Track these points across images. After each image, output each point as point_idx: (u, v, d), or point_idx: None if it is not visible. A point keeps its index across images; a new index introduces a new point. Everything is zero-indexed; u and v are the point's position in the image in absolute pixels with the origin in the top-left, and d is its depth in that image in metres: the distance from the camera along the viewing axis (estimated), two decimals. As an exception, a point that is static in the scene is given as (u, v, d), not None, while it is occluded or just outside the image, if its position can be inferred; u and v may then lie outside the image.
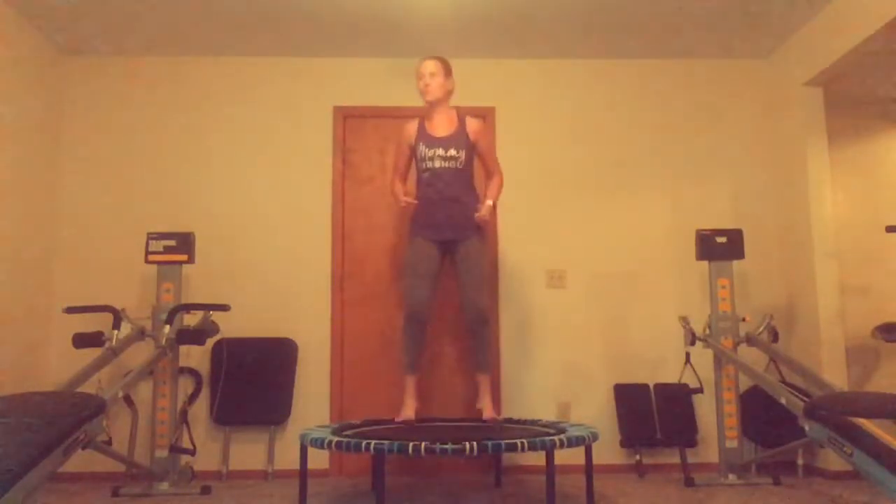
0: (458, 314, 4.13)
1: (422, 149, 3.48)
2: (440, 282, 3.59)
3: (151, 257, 3.70)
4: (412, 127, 3.57)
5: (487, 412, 3.48)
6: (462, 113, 3.61)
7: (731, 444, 3.66)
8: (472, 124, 3.54)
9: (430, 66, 3.48)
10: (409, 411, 3.46)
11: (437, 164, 3.45)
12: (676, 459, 4.04)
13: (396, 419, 3.47)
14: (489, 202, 3.42)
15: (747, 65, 4.47)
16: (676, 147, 4.39)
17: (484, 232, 3.50)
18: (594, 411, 4.13)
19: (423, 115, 3.58)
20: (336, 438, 2.86)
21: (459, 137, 3.48)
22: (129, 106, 4.30)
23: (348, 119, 4.33)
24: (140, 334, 3.55)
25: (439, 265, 3.51)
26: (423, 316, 3.42)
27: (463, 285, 3.44)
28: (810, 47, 3.96)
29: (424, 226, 3.48)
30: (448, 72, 3.52)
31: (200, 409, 4.01)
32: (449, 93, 3.54)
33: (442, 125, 3.52)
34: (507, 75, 4.41)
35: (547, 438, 2.84)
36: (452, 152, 3.45)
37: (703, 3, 3.76)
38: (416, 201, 3.46)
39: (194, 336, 3.51)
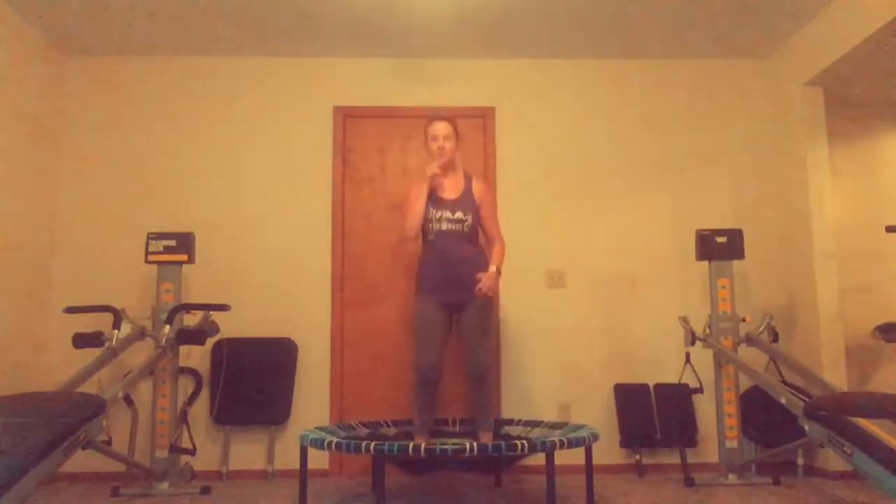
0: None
1: (430, 210, 3.44)
2: (449, 342, 3.52)
3: (151, 257, 3.70)
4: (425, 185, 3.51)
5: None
6: (468, 173, 3.58)
7: (731, 444, 3.66)
8: (478, 186, 3.52)
9: (445, 128, 3.45)
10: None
11: (445, 226, 3.41)
12: (676, 459, 4.04)
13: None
14: (492, 269, 3.38)
15: (747, 65, 4.47)
16: (676, 147, 4.39)
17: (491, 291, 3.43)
18: (594, 411, 4.13)
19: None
20: (336, 439, 2.87)
21: (467, 201, 3.46)
22: (128, 106, 4.30)
23: (348, 119, 4.33)
24: (140, 334, 3.55)
25: (447, 327, 3.44)
26: (434, 378, 3.38)
27: (466, 340, 3.42)
28: (810, 47, 3.96)
29: (431, 289, 3.43)
30: (457, 133, 3.50)
31: (200, 409, 4.01)
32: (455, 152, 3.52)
33: (450, 187, 3.49)
34: (507, 75, 4.41)
35: (547, 439, 2.84)
36: (460, 215, 3.42)
37: (703, 3, 3.76)
38: (437, 171, 3.42)
39: (194, 336, 3.51)
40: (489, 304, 3.47)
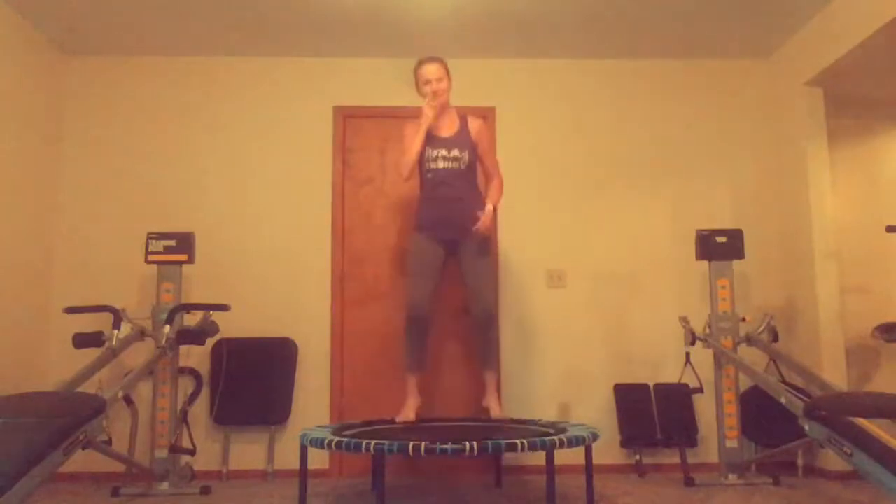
0: (459, 313, 4.13)
1: (426, 150, 3.47)
2: (443, 281, 3.60)
3: (151, 257, 3.70)
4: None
5: (495, 411, 3.53)
6: (462, 112, 3.60)
7: (731, 444, 3.66)
8: (474, 124, 3.54)
9: (436, 70, 3.45)
10: (409, 412, 3.47)
11: (441, 164, 3.45)
12: (676, 459, 4.04)
13: (397, 419, 3.47)
14: (489, 207, 3.42)
15: (747, 65, 4.47)
16: (676, 147, 4.39)
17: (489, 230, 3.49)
18: (594, 411, 4.13)
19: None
20: (336, 438, 2.86)
21: (463, 138, 3.48)
22: (129, 106, 4.30)
23: (348, 119, 4.33)
24: (140, 334, 3.55)
25: (442, 265, 3.52)
26: (426, 314, 3.43)
27: (469, 284, 3.46)
28: (810, 47, 3.96)
29: (428, 225, 3.48)
30: (448, 72, 3.51)
31: (200, 409, 4.01)
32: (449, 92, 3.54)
33: (445, 126, 3.52)
34: (507, 75, 4.41)
35: (547, 438, 2.84)
36: (456, 153, 3.45)
37: (703, 3, 3.76)
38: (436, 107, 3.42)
39: (194, 336, 3.51)
40: (487, 243, 3.49)
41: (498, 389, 4.08)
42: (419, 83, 3.50)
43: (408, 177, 3.46)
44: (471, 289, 3.47)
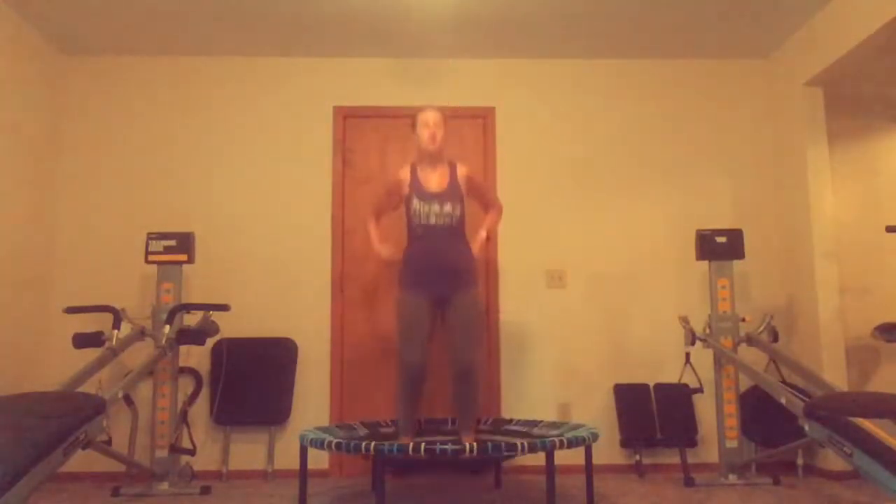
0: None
1: (416, 204, 3.35)
2: (435, 337, 3.43)
3: (151, 257, 3.70)
4: (405, 175, 3.43)
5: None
6: (451, 161, 3.49)
7: (731, 444, 3.67)
8: (462, 171, 3.44)
9: (437, 117, 3.38)
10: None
11: (434, 220, 3.32)
12: (676, 459, 4.04)
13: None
14: (483, 233, 3.37)
15: (747, 65, 4.47)
16: (676, 147, 4.39)
17: (477, 285, 3.38)
18: (594, 411, 4.13)
19: (416, 162, 3.45)
20: (336, 439, 2.86)
21: (454, 191, 3.37)
22: (129, 106, 4.30)
23: (348, 119, 4.33)
24: (140, 334, 3.55)
25: (433, 322, 3.34)
26: (420, 374, 3.25)
27: (453, 339, 3.28)
28: (810, 47, 3.96)
29: (417, 280, 3.32)
30: (445, 125, 3.44)
31: (200, 409, 4.01)
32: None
33: (436, 179, 3.39)
34: (507, 75, 4.41)
35: (547, 439, 2.84)
36: (448, 208, 3.33)
37: (703, 3, 3.76)
38: (395, 253, 3.44)
39: (194, 336, 3.51)
40: (476, 298, 3.36)
41: (495, 391, 4.09)
42: (418, 125, 3.40)
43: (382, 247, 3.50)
44: (453, 341, 3.27)
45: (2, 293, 3.67)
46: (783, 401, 3.06)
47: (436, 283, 3.30)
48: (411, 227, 3.39)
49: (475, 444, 2.78)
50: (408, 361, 3.22)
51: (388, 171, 4.27)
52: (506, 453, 2.76)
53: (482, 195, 3.53)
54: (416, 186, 3.37)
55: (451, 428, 3.69)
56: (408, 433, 3.31)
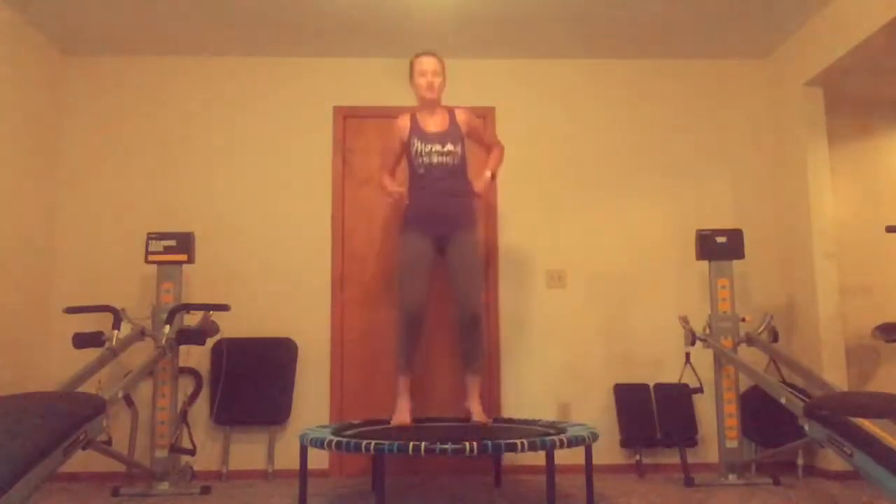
0: (454, 311, 4.12)
1: (417, 144, 3.43)
2: (435, 278, 3.56)
3: (151, 257, 3.70)
4: (404, 122, 3.52)
5: (478, 415, 3.43)
6: (451, 108, 3.58)
7: (731, 444, 3.66)
8: (461, 115, 3.53)
9: (434, 64, 3.44)
10: (403, 415, 3.40)
11: (435, 159, 3.42)
12: (676, 459, 4.04)
13: (392, 423, 3.44)
14: (487, 174, 3.41)
15: (747, 65, 4.47)
16: (676, 147, 4.39)
17: (477, 227, 3.47)
18: (594, 411, 4.13)
19: (416, 110, 3.54)
20: (336, 438, 2.86)
21: (454, 132, 3.47)
22: (129, 106, 4.30)
23: (348, 119, 4.33)
24: (140, 334, 3.55)
25: (434, 260, 3.45)
26: (420, 313, 3.36)
27: (456, 281, 3.39)
28: (810, 47, 3.96)
29: (419, 221, 3.43)
30: (444, 71, 3.51)
31: (200, 409, 4.01)
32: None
33: (436, 121, 3.49)
34: (507, 75, 4.41)
35: (547, 438, 2.84)
36: (449, 147, 3.43)
37: (703, 3, 3.76)
38: (405, 192, 3.42)
39: (194, 336, 3.50)
40: (477, 237, 3.44)
41: (494, 391, 4.09)
42: (414, 74, 3.46)
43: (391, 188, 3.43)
44: (457, 288, 3.40)
45: (2, 293, 3.67)
46: (783, 401, 3.06)
47: (437, 222, 3.41)
48: (413, 169, 3.48)
49: (489, 420, 2.96)
50: (408, 301, 3.34)
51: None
52: (505, 444, 2.75)
53: (482, 136, 3.58)
54: (417, 129, 3.45)
55: (455, 426, 3.70)
56: (406, 371, 3.43)
